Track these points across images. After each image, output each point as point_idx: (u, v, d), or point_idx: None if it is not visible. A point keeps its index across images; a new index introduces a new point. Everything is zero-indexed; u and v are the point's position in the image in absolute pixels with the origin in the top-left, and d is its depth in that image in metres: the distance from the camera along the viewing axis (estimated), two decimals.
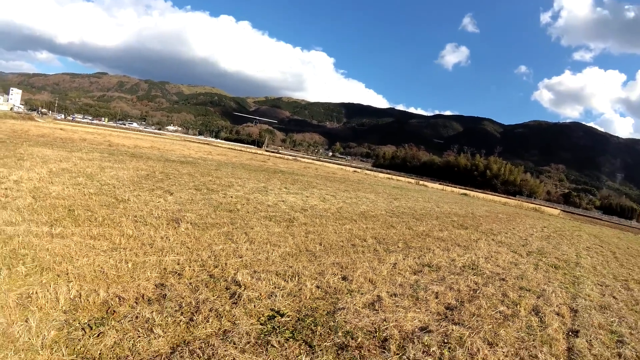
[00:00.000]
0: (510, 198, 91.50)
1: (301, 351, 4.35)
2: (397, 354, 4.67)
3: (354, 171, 70.11)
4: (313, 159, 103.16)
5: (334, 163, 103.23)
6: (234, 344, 4.20)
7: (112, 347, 3.72)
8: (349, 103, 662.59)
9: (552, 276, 11.16)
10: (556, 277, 11.12)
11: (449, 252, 11.60)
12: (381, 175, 78.69)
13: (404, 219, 16.94)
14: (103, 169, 14.99)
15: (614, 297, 10.38)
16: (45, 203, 8.62)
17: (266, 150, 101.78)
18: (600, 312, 8.47)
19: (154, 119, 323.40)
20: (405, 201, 26.82)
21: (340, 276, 7.28)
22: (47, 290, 4.48)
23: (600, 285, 11.41)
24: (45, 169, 12.97)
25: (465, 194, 64.00)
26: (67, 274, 5.11)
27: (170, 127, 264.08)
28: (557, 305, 8.14)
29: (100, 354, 3.58)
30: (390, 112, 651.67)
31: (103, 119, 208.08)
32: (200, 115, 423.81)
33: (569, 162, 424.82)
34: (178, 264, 6.33)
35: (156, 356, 3.73)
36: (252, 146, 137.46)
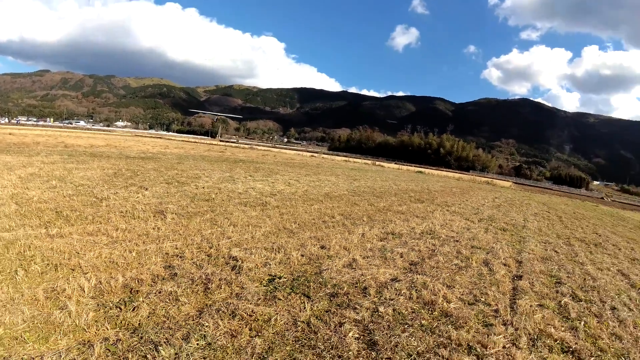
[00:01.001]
0: (463, 173, 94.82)
1: (302, 301, 5.51)
2: (377, 296, 5.96)
3: (311, 156, 71.08)
4: (269, 146, 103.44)
5: (290, 149, 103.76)
6: (248, 300, 5.28)
7: (149, 317, 4.61)
8: (301, 88, 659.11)
9: (500, 237, 12.72)
10: (504, 238, 12.68)
11: (409, 222, 12.99)
12: (338, 158, 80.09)
13: (365, 197, 18.22)
14: (70, 171, 15.22)
15: (555, 251, 12.01)
16: (30, 208, 8.98)
17: (220, 141, 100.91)
18: (542, 263, 10.02)
19: (102, 116, 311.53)
20: (365, 181, 28.18)
21: (318, 246, 8.47)
22: (69, 283, 5.18)
23: (544, 243, 13.04)
24: (14, 176, 13.01)
25: (421, 172, 66.32)
26: (80, 267, 5.82)
27: (119, 123, 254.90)
28: (504, 258, 9.61)
29: (139, 323, 4.45)
30: (343, 95, 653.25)
31: (48, 119, 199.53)
32: (150, 109, 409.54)
33: (519, 136, 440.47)
34: (177, 248, 7.20)
35: (188, 318, 4.68)
36: (206, 137, 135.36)
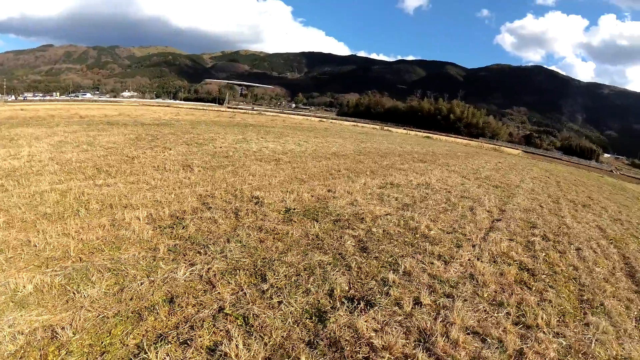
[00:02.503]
0: (472, 140, 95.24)
1: (312, 223, 7.05)
2: (371, 223, 7.49)
3: (320, 120, 71.90)
4: (277, 112, 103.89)
5: (298, 114, 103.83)
6: (270, 222, 6.84)
7: (196, 232, 6.07)
8: (309, 52, 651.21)
9: (491, 192, 14.07)
10: (495, 193, 14.01)
11: (408, 176, 14.38)
12: (346, 123, 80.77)
13: (370, 157, 19.54)
14: (95, 137, 16.26)
15: (540, 206, 13.32)
16: (72, 166, 10.14)
17: (228, 107, 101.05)
18: (524, 213, 11.36)
19: (108, 87, 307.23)
20: (371, 144, 29.39)
21: (326, 190, 9.99)
22: (125, 215, 6.52)
23: (532, 200, 14.34)
24: (44, 144, 13.76)
25: (429, 137, 67.20)
26: (131, 205, 7.17)
27: (126, 94, 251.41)
28: (488, 207, 11.00)
29: (189, 235, 5.90)
30: (352, 59, 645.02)
31: (55, 93, 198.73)
32: (156, 78, 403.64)
33: (532, 105, 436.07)
34: (207, 191, 8.63)
35: (226, 232, 6.17)
36: (214, 104, 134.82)
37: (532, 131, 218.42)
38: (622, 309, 5.74)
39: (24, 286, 3.97)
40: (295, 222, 6.97)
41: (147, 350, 3.22)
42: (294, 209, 7.76)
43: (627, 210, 18.07)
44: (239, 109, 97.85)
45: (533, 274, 6.38)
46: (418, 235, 7.13)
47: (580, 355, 4.21)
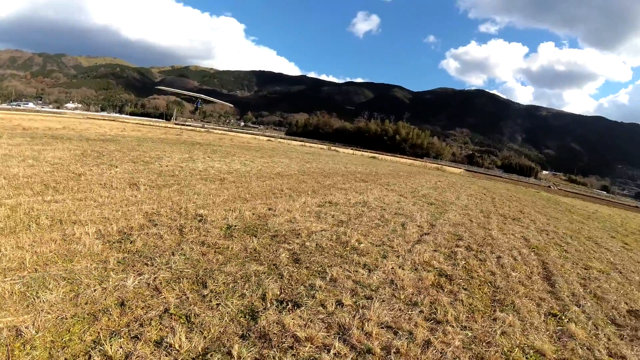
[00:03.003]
0: (417, 160, 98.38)
1: (251, 238, 7.61)
2: (306, 238, 8.14)
3: (268, 140, 72.09)
4: (225, 130, 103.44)
5: (247, 133, 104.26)
6: (212, 237, 7.35)
7: (143, 246, 6.51)
8: (260, 71, 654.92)
9: (425, 209, 15.04)
10: (428, 210, 14.99)
11: (347, 195, 15.17)
12: (294, 142, 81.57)
13: (313, 177, 20.24)
14: (39, 152, 16.04)
15: (470, 220, 14.35)
16: (19, 181, 10.15)
17: (176, 124, 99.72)
18: (452, 227, 12.30)
19: (51, 97, 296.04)
20: (316, 164, 30.18)
21: (267, 208, 10.56)
22: (75, 230, 6.81)
23: (464, 215, 15.41)
24: None
25: (374, 157, 68.98)
26: (80, 221, 7.43)
27: (70, 105, 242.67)
28: (420, 222, 11.89)
29: (137, 249, 6.33)
30: (302, 79, 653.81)
31: None
32: (102, 90, 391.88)
33: (474, 126, 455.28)
34: (153, 209, 9.00)
35: (171, 246, 6.64)
36: (160, 120, 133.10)
37: (475, 151, 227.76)
38: (532, 307, 6.55)
39: None
40: (235, 237, 7.49)
41: (102, 343, 3.70)
42: (235, 226, 8.27)
43: (555, 222, 19.49)
44: (187, 125, 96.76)
45: (450, 279, 7.14)
46: (348, 248, 7.84)
47: (484, 344, 4.93)
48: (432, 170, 59.68)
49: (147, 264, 5.71)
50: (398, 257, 7.75)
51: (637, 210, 71.20)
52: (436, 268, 7.54)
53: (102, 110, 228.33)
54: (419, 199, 17.86)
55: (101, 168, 13.71)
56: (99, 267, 5.43)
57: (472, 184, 39.57)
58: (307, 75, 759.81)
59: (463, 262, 8.32)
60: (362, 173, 28.13)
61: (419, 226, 11.33)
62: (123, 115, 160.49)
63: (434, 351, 4.50)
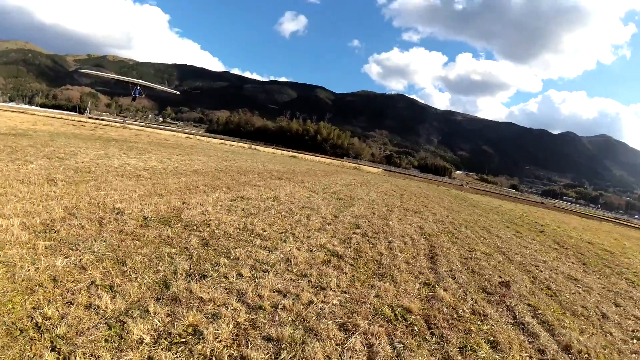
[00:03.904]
0: (336, 159, 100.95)
1: (165, 227, 8.50)
2: (216, 227, 9.09)
3: (187, 137, 70.88)
4: (143, 126, 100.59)
5: (165, 129, 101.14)
6: (130, 227, 8.15)
7: (67, 235, 7.09)
8: (182, 65, 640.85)
9: (332, 203, 16.42)
10: (336, 204, 16.39)
11: (259, 191, 16.23)
12: (214, 140, 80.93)
13: (229, 174, 21.04)
14: None
15: (373, 213, 15.87)
16: None
17: (89, 117, 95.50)
18: (354, 218, 13.71)
19: None
20: (234, 162, 30.90)
21: (181, 202, 11.35)
22: (1, 222, 7.61)
23: (368, 208, 16.94)
24: None
25: (295, 156, 70.41)
26: (4, 214, 7.74)
27: None
28: (324, 214, 13.19)
29: (61, 237, 6.96)
30: (225, 76, 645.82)
31: None
32: (11, 77, 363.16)
33: (393, 128, 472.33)
34: (72, 203, 9.48)
35: (92, 235, 7.32)
36: (73, 113, 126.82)
37: (393, 152, 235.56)
38: (410, 278, 7.96)
39: None
40: (151, 227, 8.31)
41: (41, 308, 4.51)
42: (151, 218, 9.05)
43: (455, 215, 21.61)
44: (101, 120, 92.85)
45: (341, 257, 8.45)
46: (253, 235, 8.95)
47: (358, 304, 6.20)
48: (349, 169, 61.93)
49: (72, 249, 6.42)
50: (296, 241, 8.96)
51: (541, 205, 77.61)
52: (329, 250, 8.83)
53: (11, 100, 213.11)
54: (329, 194, 19.28)
55: (16, 164, 13.72)
56: (29, 252, 6.06)
57: (385, 182, 41.87)
58: (231, 72, 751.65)
59: (355, 246, 9.67)
60: (279, 171, 29.21)
61: (322, 217, 12.61)
62: (33, 107, 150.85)
63: (314, 307, 5.69)
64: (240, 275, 6.37)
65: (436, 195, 37.95)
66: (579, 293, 9.63)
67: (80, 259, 5.99)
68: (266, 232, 9.28)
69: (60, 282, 5.20)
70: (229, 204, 12.32)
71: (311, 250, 8.50)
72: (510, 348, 5.58)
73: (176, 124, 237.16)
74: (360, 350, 4.70)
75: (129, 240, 7.25)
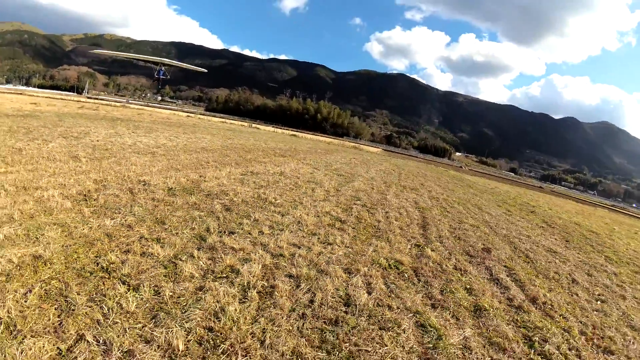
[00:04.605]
0: (336, 138, 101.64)
1: (190, 196, 9.75)
2: (234, 196, 10.36)
3: (187, 116, 70.71)
4: (142, 105, 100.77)
5: (165, 108, 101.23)
6: (159, 195, 9.39)
7: (105, 202, 8.29)
8: (180, 42, 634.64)
9: (334, 179, 17.71)
10: (338, 179, 17.68)
11: (266, 167, 17.56)
12: (215, 119, 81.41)
13: (236, 151, 22.27)
14: None
15: (372, 188, 17.17)
16: None
17: (88, 97, 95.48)
18: (355, 192, 15.01)
19: None
20: (238, 140, 32.06)
21: (198, 176, 12.56)
22: (42, 194, 8.27)
23: (368, 184, 18.25)
24: None
25: (295, 135, 71.46)
26: (42, 187, 8.79)
27: None
28: (327, 188, 14.48)
29: (101, 204, 8.16)
30: (224, 54, 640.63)
31: None
32: (8, 59, 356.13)
33: (394, 108, 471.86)
34: (100, 176, 10.60)
35: (128, 202, 8.53)
36: (71, 93, 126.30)
37: (393, 132, 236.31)
38: (403, 240, 9.33)
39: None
40: (177, 195, 9.54)
41: (103, 256, 5.67)
42: (175, 188, 10.27)
43: (450, 193, 22.88)
44: (100, 99, 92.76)
45: (343, 222, 9.80)
46: (267, 203, 10.29)
47: (358, 255, 7.55)
48: (349, 148, 63.00)
49: (115, 213, 7.59)
50: (305, 208, 10.28)
51: (539, 189, 78.72)
52: (334, 216, 10.16)
53: (8, 82, 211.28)
54: (330, 171, 20.56)
55: (36, 143, 14.44)
56: (78, 216, 7.18)
57: (384, 162, 43.06)
58: (230, 50, 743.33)
59: (356, 214, 11.00)
60: (282, 149, 30.46)
61: (326, 190, 13.89)
62: (31, 88, 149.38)
63: (324, 256, 7.01)
64: (262, 232, 7.67)
65: (434, 175, 39.18)
66: (555, 262, 10.91)
67: (125, 220, 7.17)
68: (278, 201, 10.60)
69: (114, 237, 6.35)
70: (241, 177, 13.56)
71: (318, 216, 9.82)
72: (483, 294, 6.89)
73: (175, 102, 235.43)
74: (360, 286, 6.02)
75: (162, 205, 8.46)
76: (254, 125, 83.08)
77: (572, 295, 8.24)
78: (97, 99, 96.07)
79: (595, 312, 7.50)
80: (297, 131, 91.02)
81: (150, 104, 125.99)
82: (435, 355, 4.63)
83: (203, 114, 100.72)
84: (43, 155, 12.24)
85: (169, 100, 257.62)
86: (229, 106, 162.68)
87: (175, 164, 14.34)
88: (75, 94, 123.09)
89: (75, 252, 5.64)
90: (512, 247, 11.54)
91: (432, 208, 15.29)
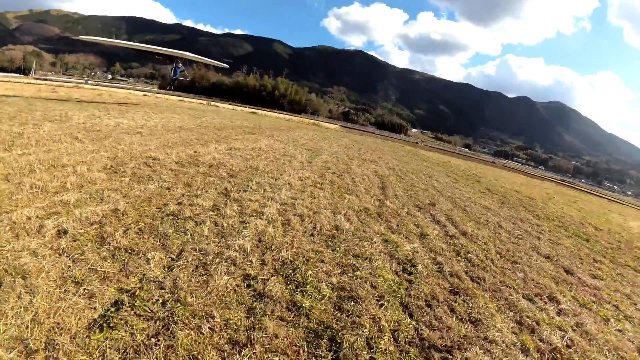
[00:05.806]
0: (295, 115, 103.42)
1: (196, 167, 12.20)
2: (230, 166, 12.77)
3: (144, 95, 69.14)
4: (94, 84, 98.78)
5: (118, 87, 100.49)
6: (173, 167, 11.75)
7: (133, 174, 10.44)
8: (130, 17, 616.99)
9: (304, 152, 20.47)
10: (307, 153, 20.43)
11: (244, 143, 20.08)
12: (173, 98, 79.09)
13: (210, 130, 24.49)
14: None
15: (337, 160, 19.93)
16: None
17: (36, 78, 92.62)
18: (324, 163, 17.79)
19: None
20: (205, 119, 33.93)
21: (192, 151, 14.88)
22: (76, 169, 10.08)
23: (333, 157, 20.99)
24: None
25: (254, 112, 73.47)
26: (67, 164, 10.51)
27: None
28: (301, 160, 17.24)
29: (131, 174, 10.31)
30: (177, 28, 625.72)
31: None
32: None
33: (351, 85, 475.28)
34: (110, 154, 12.37)
35: (151, 174, 10.76)
36: (19, 74, 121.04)
37: (350, 108, 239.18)
38: (368, 197, 12.27)
39: (71, 198, 8.35)
40: (186, 167, 11.94)
41: (163, 207, 7.98)
42: (181, 161, 12.60)
43: (405, 165, 26.00)
44: (49, 80, 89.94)
45: (322, 184, 12.57)
46: (259, 171, 12.99)
47: (336, 205, 10.29)
48: (309, 125, 65.49)
49: (149, 180, 9.77)
50: (289, 175, 13.03)
51: (492, 164, 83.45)
52: (312, 180, 12.94)
53: None
54: (299, 147, 23.26)
55: (29, 127, 14.77)
56: (122, 183, 9.13)
57: (344, 138, 45.99)
58: (183, 24, 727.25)
59: (329, 178, 13.83)
60: (248, 127, 32.94)
61: (300, 162, 16.60)
62: None
63: (314, 204, 9.81)
64: (265, 190, 10.38)
65: (390, 150, 42.35)
66: (487, 215, 14.09)
67: (161, 185, 9.39)
68: (267, 169, 13.30)
69: (162, 195, 8.58)
70: (227, 152, 16.04)
71: (301, 179, 12.63)
72: (427, 227, 9.90)
73: (126, 80, 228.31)
74: (343, 220, 8.85)
75: (181, 174, 10.80)
76: (212, 103, 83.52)
77: (495, 234, 11.37)
78: (45, 79, 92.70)
79: (511, 244, 10.59)
80: (256, 108, 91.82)
81: (101, 83, 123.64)
82: (396, 254, 7.46)
83: (159, 92, 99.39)
84: (47, 138, 13.00)
85: (120, 78, 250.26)
86: (183, 83, 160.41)
87: (165, 142, 16.22)
88: (23, 75, 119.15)
89: (141, 205, 7.66)
90: (454, 204, 14.61)
91: (389, 176, 18.21)
